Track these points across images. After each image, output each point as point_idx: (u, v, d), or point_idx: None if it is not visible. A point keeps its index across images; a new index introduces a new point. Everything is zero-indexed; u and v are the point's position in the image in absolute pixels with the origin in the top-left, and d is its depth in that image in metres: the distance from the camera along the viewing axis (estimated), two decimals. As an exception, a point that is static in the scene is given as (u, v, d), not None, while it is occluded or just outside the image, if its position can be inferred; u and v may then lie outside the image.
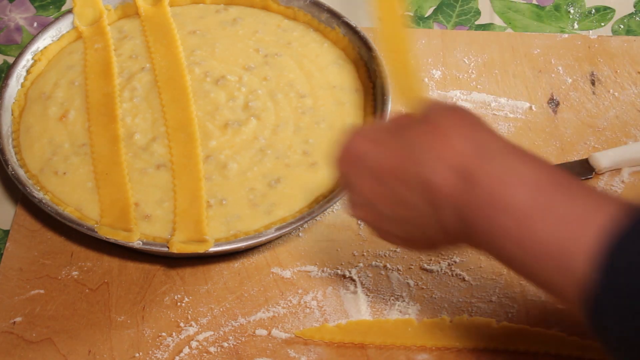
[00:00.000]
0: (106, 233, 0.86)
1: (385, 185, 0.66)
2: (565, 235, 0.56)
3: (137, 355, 0.85)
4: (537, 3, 1.14)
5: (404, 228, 0.68)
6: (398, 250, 0.91)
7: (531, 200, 0.58)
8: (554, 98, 1.04)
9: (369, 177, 0.67)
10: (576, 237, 0.56)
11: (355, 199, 0.70)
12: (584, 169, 0.96)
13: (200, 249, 0.86)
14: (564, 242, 0.56)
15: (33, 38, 1.02)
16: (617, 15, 1.13)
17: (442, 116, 0.65)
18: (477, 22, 1.13)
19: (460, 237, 0.64)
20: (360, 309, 0.88)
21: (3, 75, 1.04)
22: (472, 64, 1.07)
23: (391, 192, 0.66)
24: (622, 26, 1.12)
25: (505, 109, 1.03)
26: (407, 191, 0.64)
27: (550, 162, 0.61)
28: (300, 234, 0.93)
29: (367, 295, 0.88)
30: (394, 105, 1.01)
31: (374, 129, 0.69)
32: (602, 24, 1.12)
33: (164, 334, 0.86)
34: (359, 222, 0.93)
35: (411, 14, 1.14)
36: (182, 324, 0.87)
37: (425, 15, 1.14)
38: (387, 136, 0.67)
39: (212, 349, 0.85)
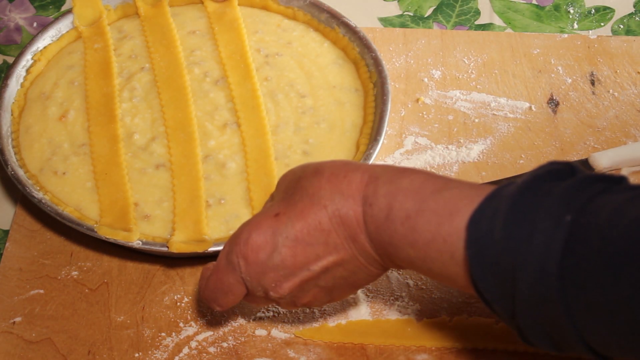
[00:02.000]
0: (106, 233, 0.86)
1: (308, 242, 0.70)
2: (442, 227, 0.63)
3: (136, 355, 0.85)
4: (536, 3, 1.14)
5: (334, 276, 0.72)
6: (398, 250, 0.91)
7: (410, 204, 0.65)
8: (554, 98, 1.04)
9: (289, 245, 0.70)
10: (451, 226, 0.63)
11: (280, 276, 0.72)
12: (583, 169, 0.96)
13: (199, 248, 0.86)
14: (442, 233, 0.63)
15: (33, 38, 1.02)
16: (617, 15, 1.13)
17: (325, 167, 0.71)
18: (476, 22, 1.13)
19: (380, 262, 0.70)
20: (359, 309, 0.88)
21: (3, 75, 1.04)
22: (472, 64, 1.07)
23: (317, 244, 0.70)
24: (621, 26, 1.12)
25: (505, 109, 1.03)
26: (329, 236, 0.69)
27: (434, 173, 0.68)
28: (300, 234, 0.93)
29: (366, 295, 0.88)
30: (394, 106, 1.02)
31: (260, 213, 0.73)
32: (602, 24, 1.12)
33: (163, 334, 0.86)
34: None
35: (411, 14, 1.14)
36: (181, 324, 0.87)
37: (425, 15, 1.14)
38: (282, 206, 0.72)
39: (211, 349, 0.85)
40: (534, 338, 0.61)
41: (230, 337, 0.86)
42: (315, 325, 0.86)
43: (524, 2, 1.15)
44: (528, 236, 0.58)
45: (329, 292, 0.74)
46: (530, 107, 1.03)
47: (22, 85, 0.99)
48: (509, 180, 0.64)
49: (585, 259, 0.56)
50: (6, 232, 0.94)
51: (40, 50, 1.01)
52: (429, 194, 0.65)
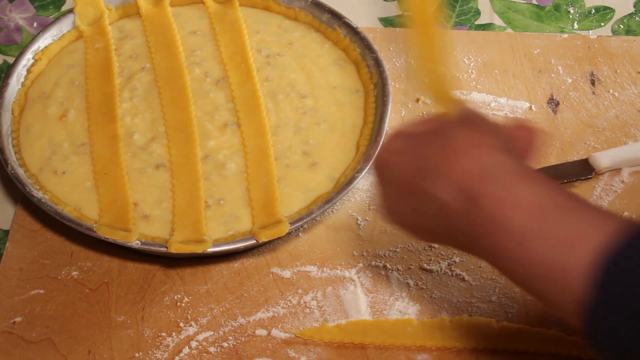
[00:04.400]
0: (105, 233, 0.86)
1: (404, 196, 0.69)
2: (561, 255, 0.58)
3: (137, 355, 0.85)
4: (537, 3, 1.14)
5: (429, 226, 0.69)
6: (398, 250, 0.91)
7: (527, 221, 0.60)
8: (554, 98, 1.04)
9: (393, 186, 0.70)
10: (572, 256, 0.58)
11: (384, 200, 0.72)
12: (583, 169, 0.96)
13: (198, 249, 0.86)
14: (560, 261, 0.58)
15: (34, 37, 1.02)
16: (617, 15, 1.13)
17: (459, 132, 0.67)
18: (476, 22, 1.13)
19: (470, 248, 0.66)
20: (360, 309, 0.88)
21: (3, 75, 1.04)
22: (472, 64, 1.07)
23: (410, 203, 0.68)
24: (622, 26, 1.12)
25: (505, 109, 1.03)
26: (422, 204, 0.67)
27: (555, 184, 0.63)
28: (300, 234, 0.93)
29: (366, 295, 0.88)
30: (394, 106, 1.02)
31: (406, 134, 0.71)
32: (602, 24, 1.12)
33: (163, 334, 0.86)
34: (358, 222, 0.93)
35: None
36: (182, 324, 0.87)
37: (426, 15, 1.13)
38: (410, 146, 0.69)
39: (212, 349, 0.85)
40: None
41: (230, 337, 0.86)
42: (315, 325, 0.86)
43: (524, 2, 1.15)
44: None
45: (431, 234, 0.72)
46: (530, 107, 1.03)
47: (22, 84, 0.99)
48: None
49: None
50: (6, 232, 0.94)
51: (42, 50, 1.01)
52: (550, 212, 0.60)
